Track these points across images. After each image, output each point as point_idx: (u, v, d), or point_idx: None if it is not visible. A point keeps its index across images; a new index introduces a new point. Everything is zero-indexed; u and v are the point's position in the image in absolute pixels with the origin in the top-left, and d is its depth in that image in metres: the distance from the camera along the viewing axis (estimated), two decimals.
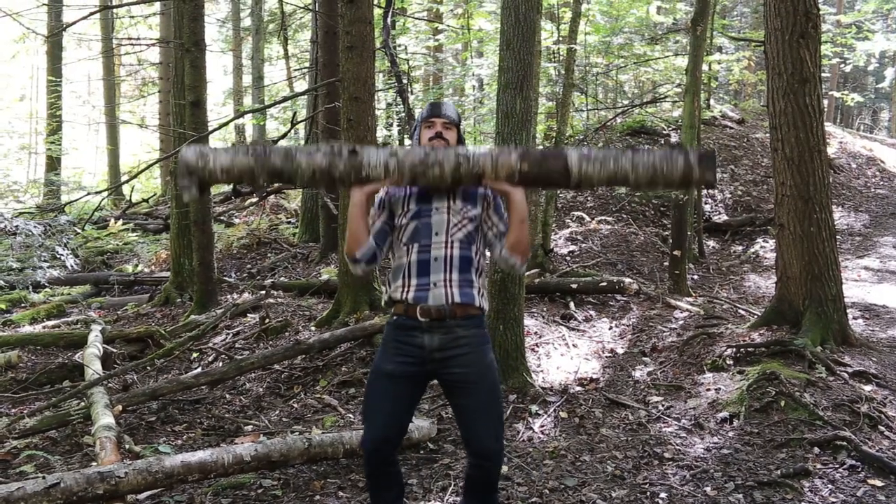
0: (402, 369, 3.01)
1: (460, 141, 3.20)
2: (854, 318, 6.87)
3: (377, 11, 9.14)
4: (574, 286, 8.04)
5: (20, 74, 29.43)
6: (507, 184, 2.93)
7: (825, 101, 23.90)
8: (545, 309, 7.60)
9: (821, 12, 5.98)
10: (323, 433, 4.53)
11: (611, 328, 7.22)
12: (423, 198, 3.06)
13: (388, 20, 9.27)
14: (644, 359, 6.27)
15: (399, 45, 15.64)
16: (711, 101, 16.55)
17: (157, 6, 16.68)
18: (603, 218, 11.72)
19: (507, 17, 5.37)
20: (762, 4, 6.17)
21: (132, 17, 21.26)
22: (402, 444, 3.49)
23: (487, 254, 3.20)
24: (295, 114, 12.39)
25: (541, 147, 2.61)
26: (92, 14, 10.29)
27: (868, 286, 8.87)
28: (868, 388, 5.02)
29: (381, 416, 3.01)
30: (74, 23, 9.74)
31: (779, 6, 5.83)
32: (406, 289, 3.01)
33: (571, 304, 7.74)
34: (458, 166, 2.89)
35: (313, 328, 7.13)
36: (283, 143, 17.57)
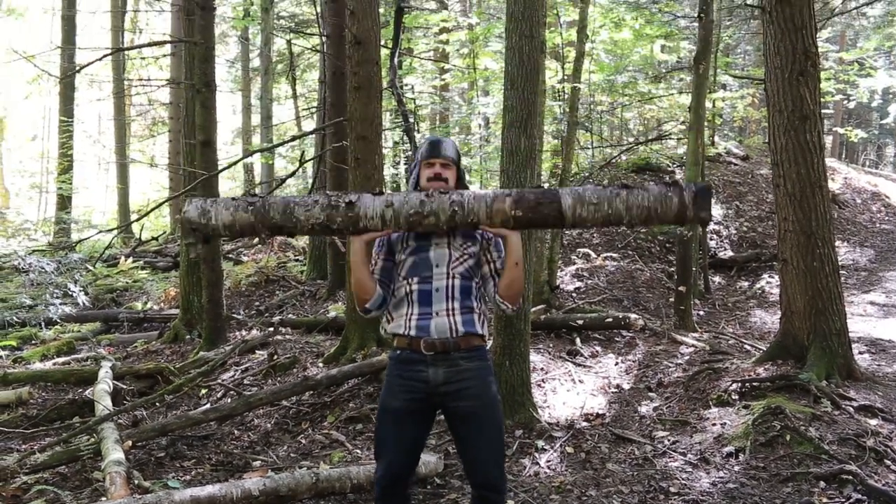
0: (409, 406, 3.05)
1: (460, 178, 3.22)
2: (860, 353, 6.89)
3: (384, 52, 9.31)
4: (580, 322, 8.08)
5: (33, 115, 29.85)
6: (503, 228, 2.98)
7: (829, 138, 24.04)
8: (551, 345, 7.63)
9: (823, 50, 6.10)
10: (331, 468, 4.56)
11: (617, 364, 7.25)
12: (421, 235, 3.11)
13: (395, 60, 9.44)
14: (650, 394, 6.29)
15: (406, 85, 15.85)
16: (716, 138, 16.68)
17: (167, 48, 16.98)
18: (609, 254, 11.78)
19: (511, 57, 5.47)
20: (762, 43, 6.28)
21: (143, 58, 21.65)
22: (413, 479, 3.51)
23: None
24: (303, 153, 12.55)
25: (536, 188, 2.63)
26: (105, 56, 10.49)
27: (874, 321, 8.89)
28: (874, 422, 5.03)
29: (393, 452, 3.05)
30: (88, 65, 9.90)
31: (778, 45, 5.94)
32: (409, 318, 3.05)
33: (577, 340, 7.77)
34: (454, 215, 2.92)
35: (321, 364, 7.17)
36: (291, 181, 17.75)
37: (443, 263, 3.07)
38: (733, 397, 5.60)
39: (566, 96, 12.17)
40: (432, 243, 3.09)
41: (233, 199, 3.05)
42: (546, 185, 13.92)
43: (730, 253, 12.60)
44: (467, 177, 3.31)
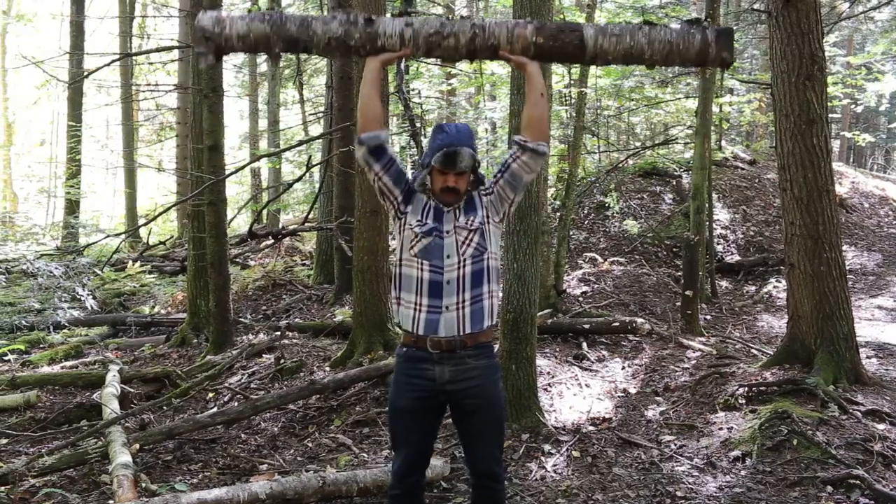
0: (417, 404, 3.09)
1: (475, 174, 3.15)
2: (867, 357, 6.86)
3: None
4: (586, 326, 8.08)
5: (41, 120, 29.99)
6: (523, 56, 2.94)
7: (837, 142, 23.96)
8: (558, 349, 7.63)
9: (830, 54, 6.10)
10: (337, 472, 4.58)
11: (623, 368, 7.24)
12: (438, 215, 3.08)
13: (402, 65, 9.45)
14: (656, 398, 6.28)
15: (413, 90, 15.87)
16: (723, 143, 16.65)
17: (175, 53, 17.04)
18: (615, 259, 11.78)
19: None
20: (769, 48, 6.28)
21: (151, 63, 21.72)
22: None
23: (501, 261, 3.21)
24: (310, 157, 12.58)
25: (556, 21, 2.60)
26: (113, 61, 10.53)
27: (882, 325, 8.86)
28: (881, 426, 5.01)
29: (406, 448, 3.14)
30: (96, 70, 9.98)
31: (784, 49, 5.94)
32: (418, 310, 3.05)
33: (584, 345, 7.77)
34: (474, 37, 2.87)
35: (328, 368, 7.19)
36: (298, 185, 17.79)
37: (453, 252, 3.05)
38: (740, 402, 5.59)
39: (573, 101, 12.17)
40: (444, 231, 3.06)
41: (248, 11, 2.99)
42: (553, 190, 13.94)
43: (737, 257, 12.57)
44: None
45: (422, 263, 3.06)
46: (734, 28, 3.19)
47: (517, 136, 3.07)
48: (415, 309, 3.06)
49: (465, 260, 3.05)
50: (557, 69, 12.84)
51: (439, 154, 3.01)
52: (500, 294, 3.61)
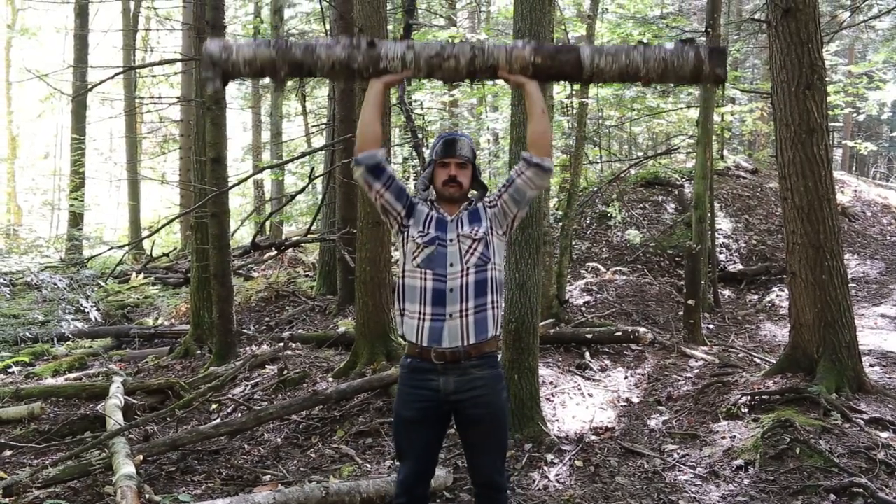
0: (421, 415, 3.10)
1: (475, 174, 3.23)
2: (870, 366, 6.86)
3: None
4: (589, 336, 8.08)
5: (45, 133, 30.09)
6: (522, 76, 2.99)
7: (839, 151, 23.95)
8: (560, 359, 7.64)
9: (832, 63, 6.13)
10: (340, 482, 4.58)
11: (626, 377, 7.24)
12: (441, 225, 3.11)
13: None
14: (659, 407, 6.28)
15: (415, 101, 15.93)
16: (725, 152, 16.67)
17: (178, 66, 17.12)
18: (618, 268, 11.79)
19: None
20: (769, 57, 6.31)
21: (154, 76, 21.84)
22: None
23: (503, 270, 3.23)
24: (312, 169, 12.60)
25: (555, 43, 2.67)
26: (117, 74, 10.60)
27: (884, 333, 8.85)
28: (884, 434, 5.01)
29: (411, 457, 3.15)
30: (100, 83, 10.04)
31: (784, 59, 5.97)
32: (421, 319, 3.06)
33: (587, 354, 7.77)
34: (474, 59, 2.94)
35: (331, 379, 7.20)
36: (301, 197, 17.83)
37: (456, 261, 3.07)
38: (743, 410, 5.60)
39: (574, 111, 12.21)
40: (448, 239, 3.09)
41: (254, 38, 3.05)
42: (555, 200, 13.97)
43: (739, 266, 12.57)
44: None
45: (425, 273, 3.07)
46: (728, 45, 3.30)
47: (524, 153, 3.11)
48: (418, 318, 3.08)
49: (468, 269, 3.07)
50: None
51: (440, 144, 3.18)
52: (503, 306, 3.61)
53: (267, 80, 20.70)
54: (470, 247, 3.09)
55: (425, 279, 3.07)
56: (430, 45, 2.96)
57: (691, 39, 2.99)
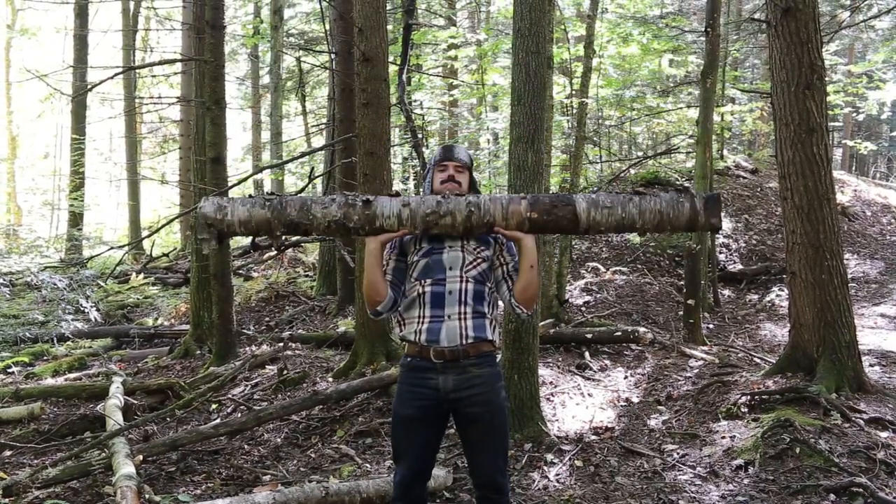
0: (420, 413, 3.10)
1: (472, 183, 3.30)
2: (870, 365, 6.86)
3: (392, 69, 9.37)
4: (589, 336, 8.08)
5: (45, 133, 30.11)
6: (518, 231, 3.02)
7: (839, 150, 23.95)
8: (560, 359, 7.64)
9: (831, 63, 6.13)
10: (340, 482, 4.58)
11: (626, 377, 7.24)
12: (435, 237, 3.14)
13: (404, 77, 9.50)
14: (659, 407, 6.28)
15: (414, 101, 15.92)
16: (725, 152, 16.68)
17: (178, 66, 17.12)
18: (618, 268, 11.79)
19: (518, 73, 5.51)
20: (769, 57, 6.31)
21: (154, 76, 21.85)
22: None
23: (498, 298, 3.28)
24: (312, 169, 12.60)
25: (551, 193, 2.70)
26: (116, 75, 10.59)
27: (884, 333, 8.85)
28: (884, 434, 5.01)
29: (409, 457, 3.14)
30: (100, 83, 10.02)
31: (784, 59, 5.97)
32: (420, 321, 3.09)
33: (587, 354, 7.78)
34: (470, 215, 2.96)
35: (330, 379, 7.20)
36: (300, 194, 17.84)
37: (456, 266, 3.11)
38: (743, 410, 5.59)
39: (574, 111, 12.21)
40: (446, 246, 3.13)
41: (250, 196, 3.08)
42: None
43: (739, 266, 12.58)
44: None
45: (423, 282, 3.11)
46: (720, 194, 3.33)
47: (512, 299, 3.15)
48: (418, 321, 3.10)
49: (467, 275, 3.11)
50: (559, 79, 12.89)
51: (438, 150, 3.32)
52: (500, 321, 3.65)
53: (267, 78, 20.62)
54: (474, 260, 3.13)
55: (424, 286, 3.11)
56: (427, 201, 2.98)
57: (686, 188, 3.02)
